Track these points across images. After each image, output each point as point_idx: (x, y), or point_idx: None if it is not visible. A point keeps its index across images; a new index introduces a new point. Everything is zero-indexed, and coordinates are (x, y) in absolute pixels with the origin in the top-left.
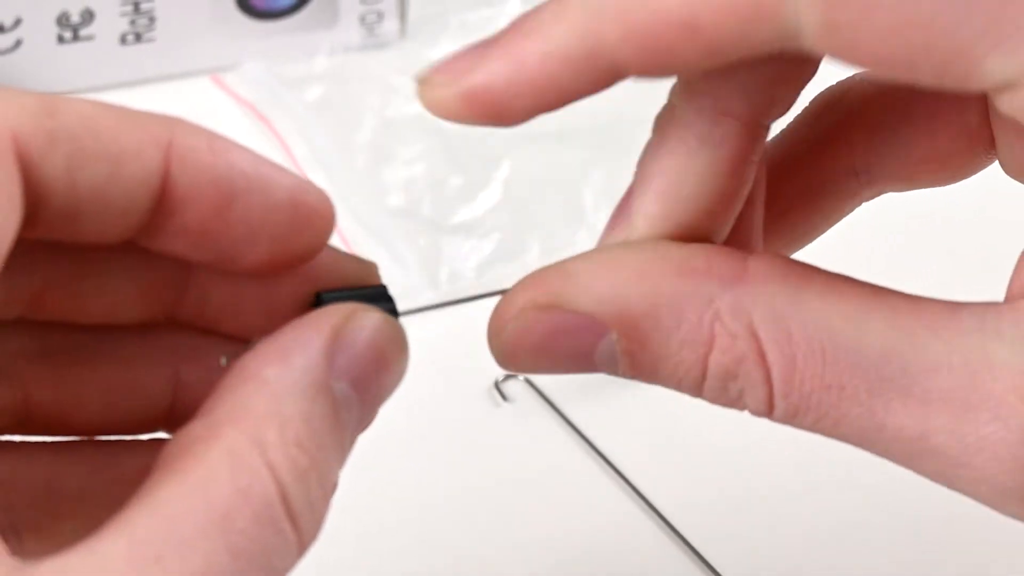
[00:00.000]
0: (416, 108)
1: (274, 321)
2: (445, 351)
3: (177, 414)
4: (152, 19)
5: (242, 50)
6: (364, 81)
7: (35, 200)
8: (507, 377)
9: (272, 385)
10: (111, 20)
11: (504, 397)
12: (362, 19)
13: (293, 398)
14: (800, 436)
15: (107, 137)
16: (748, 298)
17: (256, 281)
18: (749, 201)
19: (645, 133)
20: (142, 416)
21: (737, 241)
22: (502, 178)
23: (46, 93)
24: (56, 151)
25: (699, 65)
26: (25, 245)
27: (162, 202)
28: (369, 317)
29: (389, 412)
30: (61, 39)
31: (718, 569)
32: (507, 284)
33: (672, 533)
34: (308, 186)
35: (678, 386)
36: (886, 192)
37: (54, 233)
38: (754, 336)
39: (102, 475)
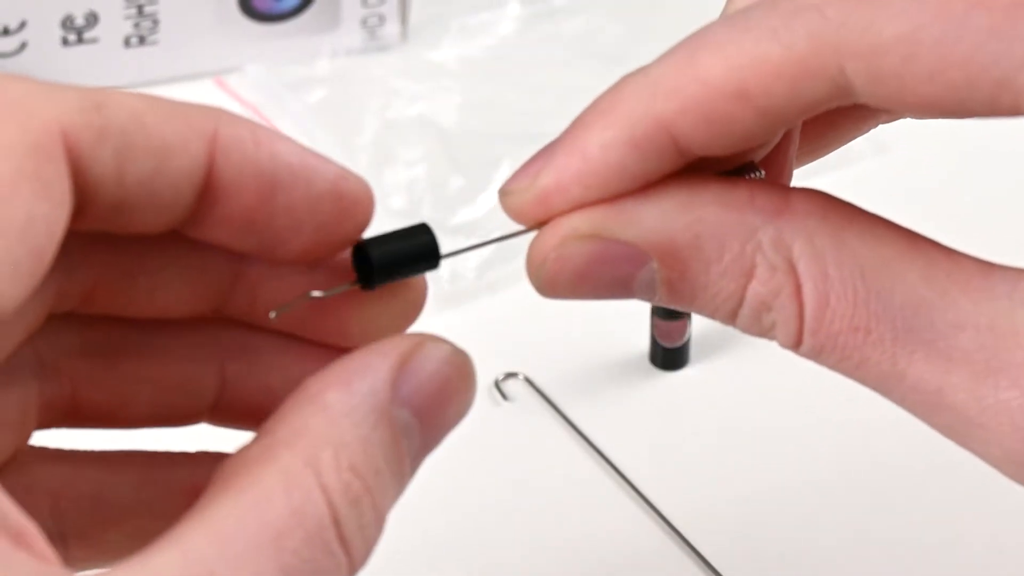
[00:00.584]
0: (417, 110)
1: (317, 316)
2: None
3: (222, 406)
4: (156, 22)
5: (245, 52)
6: (366, 83)
7: (84, 194)
8: (507, 376)
9: (332, 409)
10: (115, 23)
11: (504, 396)
12: (364, 22)
13: (352, 423)
14: (800, 436)
15: (154, 130)
16: (789, 232)
17: (301, 275)
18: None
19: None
20: (187, 409)
21: (771, 168)
22: (502, 180)
23: (93, 87)
24: (105, 146)
25: (760, 129)
26: (76, 240)
27: (207, 192)
28: (439, 347)
29: None
30: (65, 41)
31: (716, 566)
32: (507, 285)
33: (670, 530)
34: (349, 174)
35: (713, 314)
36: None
37: (102, 225)
38: (792, 270)
39: (150, 486)
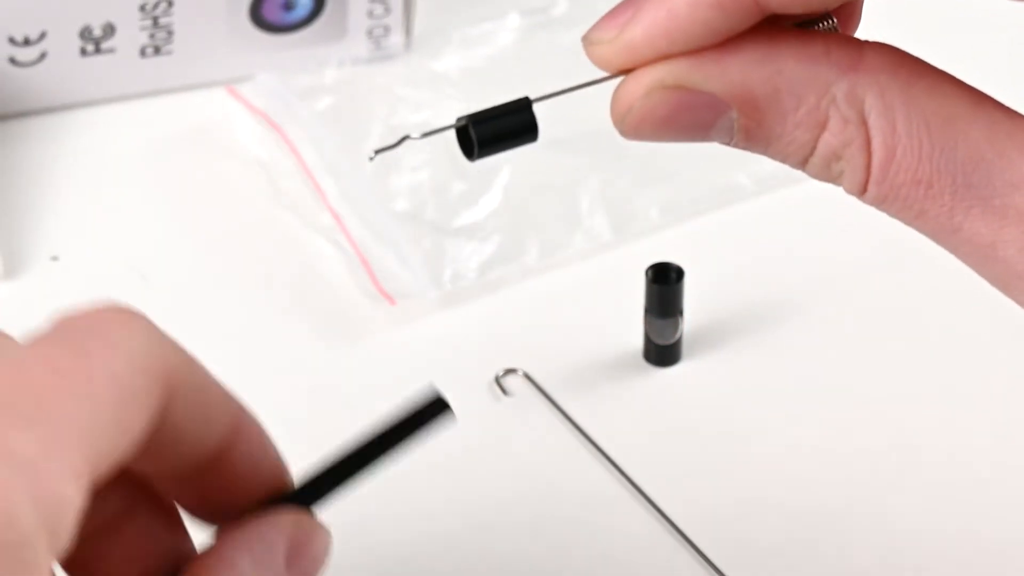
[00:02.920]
0: (420, 117)
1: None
2: (448, 347)
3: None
4: (170, 33)
5: (256, 62)
6: (371, 92)
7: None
8: (507, 372)
9: None
10: (131, 34)
11: (504, 391)
12: (369, 33)
13: None
14: (788, 431)
15: (216, 409)
16: (862, 86)
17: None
18: None
19: (638, 141)
20: None
21: (842, 15)
22: (502, 184)
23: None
24: (186, 402)
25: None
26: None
27: (210, 466)
28: (316, 528)
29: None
30: (84, 52)
31: (709, 556)
32: (507, 284)
33: (664, 520)
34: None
35: (784, 160)
36: None
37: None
38: (863, 123)
39: None
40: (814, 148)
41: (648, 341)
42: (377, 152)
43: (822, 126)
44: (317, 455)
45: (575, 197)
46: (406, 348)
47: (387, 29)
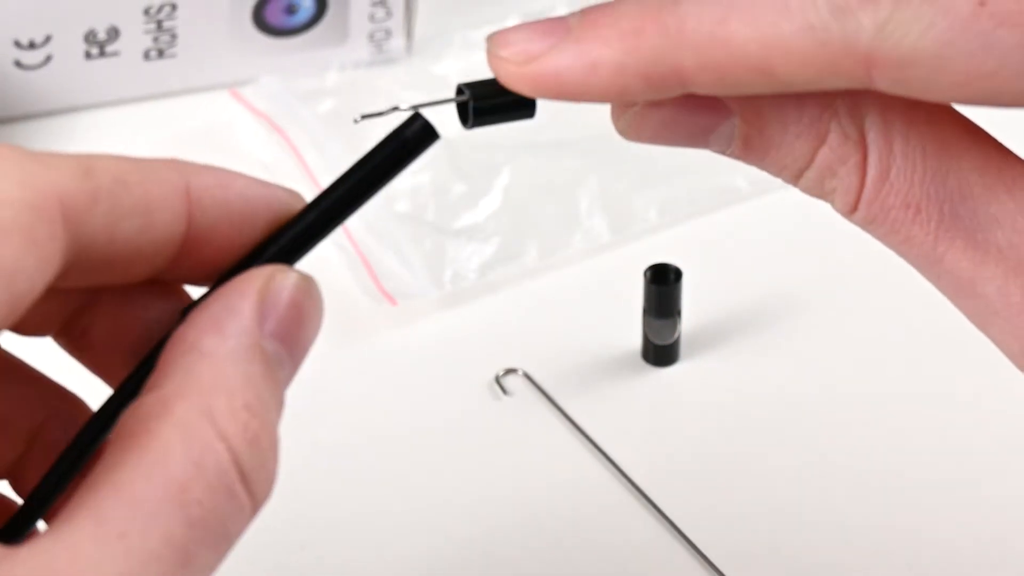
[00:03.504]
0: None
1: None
2: (449, 347)
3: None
4: (174, 36)
5: (258, 65)
6: (373, 94)
7: (78, 253)
8: (507, 372)
9: (212, 355)
10: (135, 37)
11: (504, 391)
12: (371, 36)
13: (234, 365)
14: (782, 429)
15: (137, 190)
16: (865, 102)
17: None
18: None
19: (636, 143)
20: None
21: None
22: (502, 185)
23: (81, 153)
24: (96, 209)
25: (764, 92)
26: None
27: (188, 240)
28: (287, 277)
29: (396, 404)
30: (88, 55)
31: (704, 552)
32: (507, 285)
33: (661, 518)
34: (294, 193)
35: (779, 172)
36: None
37: (92, 279)
38: (862, 140)
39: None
40: (811, 161)
41: (647, 341)
42: (364, 117)
43: (822, 139)
44: (319, 455)
45: (574, 198)
46: (407, 348)
47: (388, 33)
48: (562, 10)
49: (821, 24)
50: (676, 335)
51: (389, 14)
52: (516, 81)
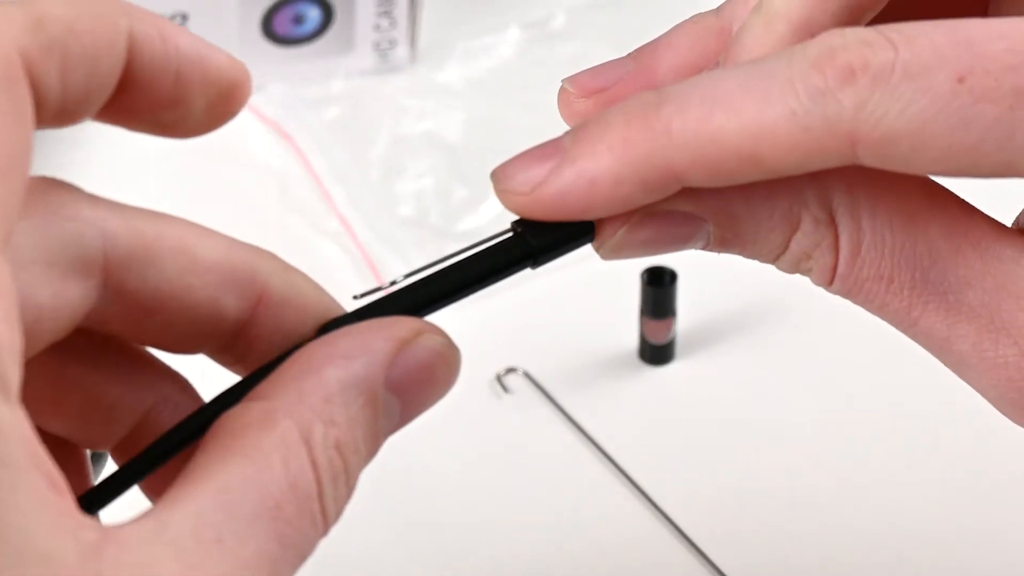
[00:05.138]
0: (424, 127)
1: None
2: None
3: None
4: None
5: (267, 73)
6: (377, 102)
7: (36, 107)
8: (507, 371)
9: (329, 385)
10: None
11: (505, 389)
12: (376, 46)
13: (345, 403)
14: (776, 426)
15: (86, 38)
16: (830, 185)
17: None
18: None
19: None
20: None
21: None
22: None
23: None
24: (51, 61)
25: (757, 180)
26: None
27: (124, 84)
28: (433, 339)
29: None
30: None
31: (700, 547)
32: (507, 287)
33: (657, 512)
34: (235, 60)
35: (756, 259)
36: None
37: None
38: (833, 223)
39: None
40: (786, 248)
41: (643, 341)
42: (357, 297)
43: (794, 228)
44: None
45: None
46: None
47: (393, 42)
48: (560, 17)
49: (803, 109)
50: (672, 335)
51: (393, 24)
52: (527, 209)
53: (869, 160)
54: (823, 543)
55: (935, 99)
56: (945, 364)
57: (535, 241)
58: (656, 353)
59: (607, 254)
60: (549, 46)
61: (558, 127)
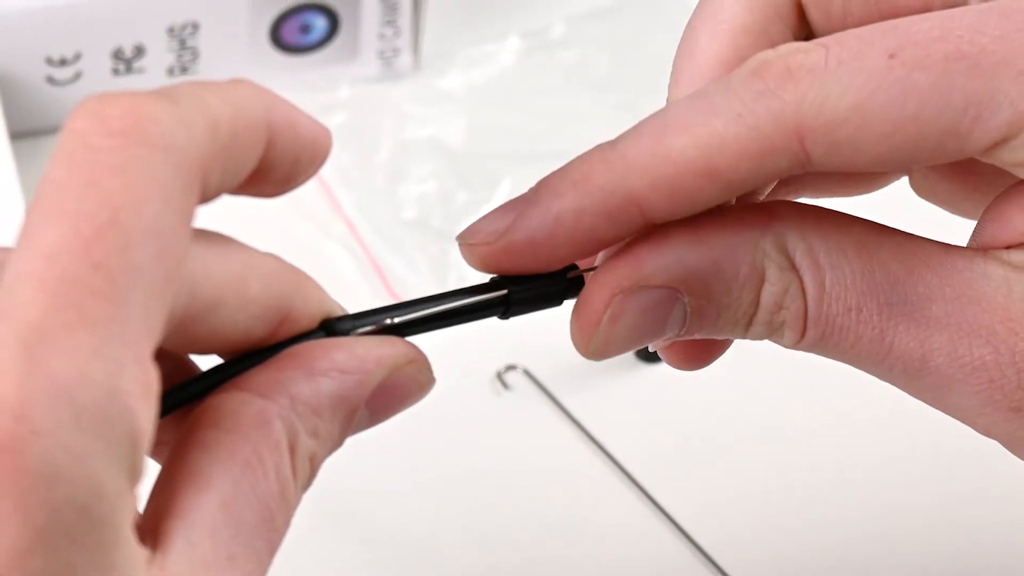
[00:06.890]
0: (427, 132)
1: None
2: (453, 344)
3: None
4: (196, 54)
5: (274, 80)
6: (382, 109)
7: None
8: (508, 368)
9: (321, 398)
10: (160, 54)
11: (505, 386)
12: (380, 54)
13: (330, 418)
14: (769, 422)
15: (243, 138)
16: (782, 232)
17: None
18: None
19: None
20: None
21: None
22: (503, 194)
23: (198, 97)
24: (217, 166)
25: (720, 199)
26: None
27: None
28: (419, 370)
29: None
30: (116, 71)
31: (696, 541)
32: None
33: (655, 507)
34: (326, 131)
35: (733, 328)
36: (810, 197)
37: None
38: (794, 267)
39: None
40: (759, 304)
41: None
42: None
43: (762, 279)
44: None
45: None
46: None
47: (397, 50)
48: (560, 26)
49: (747, 110)
50: None
51: (397, 33)
52: (491, 260)
53: (819, 154)
54: (822, 540)
55: (871, 76)
56: (924, 396)
57: (513, 293)
58: (652, 351)
59: (594, 354)
60: (548, 54)
61: (557, 132)
